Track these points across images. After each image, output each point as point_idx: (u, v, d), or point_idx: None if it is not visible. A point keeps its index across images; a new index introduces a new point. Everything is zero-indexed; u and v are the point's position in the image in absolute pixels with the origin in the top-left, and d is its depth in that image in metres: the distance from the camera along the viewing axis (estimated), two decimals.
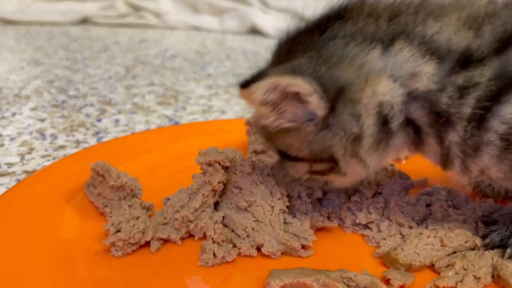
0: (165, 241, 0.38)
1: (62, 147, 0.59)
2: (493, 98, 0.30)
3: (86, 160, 0.46)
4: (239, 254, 0.36)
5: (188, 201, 0.38)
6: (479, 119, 0.30)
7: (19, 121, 0.67)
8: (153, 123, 0.67)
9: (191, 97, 0.79)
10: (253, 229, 0.37)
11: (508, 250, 0.33)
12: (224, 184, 0.38)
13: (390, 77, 0.31)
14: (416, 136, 0.33)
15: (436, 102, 0.31)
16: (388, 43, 0.31)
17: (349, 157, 0.33)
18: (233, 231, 0.37)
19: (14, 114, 0.70)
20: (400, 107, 0.31)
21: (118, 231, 0.36)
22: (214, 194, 0.38)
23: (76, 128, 0.65)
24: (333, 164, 0.33)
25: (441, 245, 0.35)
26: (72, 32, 1.38)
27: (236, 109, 0.74)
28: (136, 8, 1.52)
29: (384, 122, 0.32)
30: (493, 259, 0.33)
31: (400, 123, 0.32)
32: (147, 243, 0.37)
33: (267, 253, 0.36)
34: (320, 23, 0.33)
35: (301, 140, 0.33)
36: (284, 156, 0.35)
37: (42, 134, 0.63)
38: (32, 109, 0.72)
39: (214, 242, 0.36)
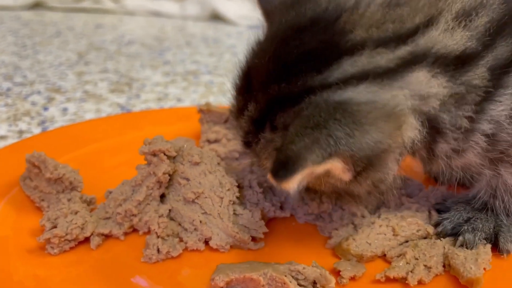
0: (107, 236, 0.35)
1: (3, 137, 0.55)
2: (486, 99, 0.28)
3: (25, 151, 0.43)
4: (185, 249, 0.34)
5: (132, 194, 0.36)
6: (470, 128, 0.29)
7: None
8: (104, 111, 0.64)
9: (146, 85, 0.76)
10: (201, 222, 0.35)
11: (460, 238, 0.33)
12: (170, 175, 0.36)
13: (415, 113, 0.28)
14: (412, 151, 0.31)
15: (435, 119, 0.29)
16: (406, 71, 0.27)
17: (369, 192, 0.32)
18: (180, 224, 0.35)
19: None
20: (416, 136, 0.29)
21: (55, 226, 0.34)
22: (160, 186, 0.36)
23: (20, 117, 0.61)
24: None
25: (393, 234, 0.34)
26: (24, 17, 1.30)
27: (194, 96, 0.72)
28: None
29: (402, 156, 0.30)
30: (444, 247, 0.33)
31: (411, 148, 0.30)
32: (87, 239, 0.35)
33: (215, 247, 0.34)
34: (321, 56, 0.28)
35: (330, 187, 0.31)
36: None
37: None
38: None
39: (158, 236, 0.34)
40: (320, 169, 0.25)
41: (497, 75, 0.27)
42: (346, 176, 0.27)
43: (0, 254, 0.33)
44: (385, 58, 0.27)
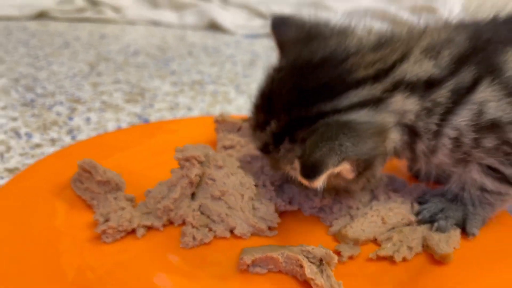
0: (149, 228, 0.43)
1: (38, 145, 0.62)
2: (449, 112, 0.37)
3: (67, 158, 0.50)
4: (215, 237, 0.42)
5: (168, 193, 0.44)
6: (438, 131, 0.37)
7: None
8: (124, 120, 0.72)
9: (157, 94, 0.83)
10: (226, 214, 0.42)
11: (436, 224, 0.41)
12: (199, 176, 0.44)
13: (396, 126, 0.37)
14: (396, 153, 0.40)
15: (413, 126, 0.38)
16: (389, 97, 0.36)
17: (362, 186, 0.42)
18: (208, 217, 0.43)
19: None
20: (397, 143, 0.38)
21: (107, 220, 0.41)
22: (191, 186, 0.44)
23: (49, 126, 0.68)
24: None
25: (382, 222, 0.42)
26: (30, 27, 1.37)
27: (202, 105, 0.79)
28: (94, 3, 1.52)
29: (387, 157, 0.39)
30: (423, 232, 0.41)
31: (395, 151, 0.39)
32: (133, 230, 0.42)
33: (239, 235, 0.42)
34: (329, 90, 0.37)
35: (334, 184, 0.40)
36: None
37: (16, 133, 0.65)
38: (2, 108, 0.74)
39: (193, 227, 0.41)
40: (337, 170, 0.34)
41: (459, 95, 0.36)
42: (351, 175, 0.35)
43: (60, 243, 0.40)
44: (376, 89, 0.36)
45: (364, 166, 0.35)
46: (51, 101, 0.78)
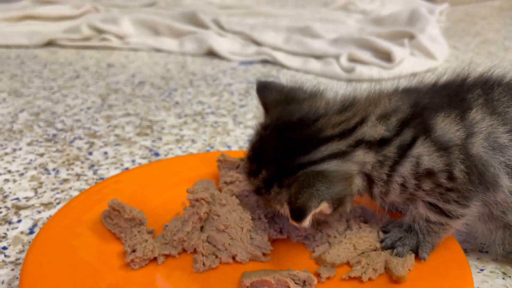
0: (167, 256, 0.53)
1: (66, 180, 0.73)
2: (396, 163, 0.48)
3: (95, 196, 0.61)
4: (220, 263, 0.53)
5: (182, 227, 0.54)
6: (388, 178, 0.48)
7: (21, 156, 0.80)
8: (136, 154, 0.82)
9: (164, 127, 0.94)
10: (229, 244, 0.53)
11: (395, 250, 0.51)
12: (207, 213, 0.54)
13: (358, 173, 0.48)
14: (359, 193, 0.51)
15: (370, 174, 0.49)
16: (352, 151, 0.47)
17: (336, 218, 0.53)
18: (215, 246, 0.54)
19: (14, 150, 0.82)
20: (360, 186, 0.49)
21: (134, 250, 0.52)
22: (200, 221, 0.54)
23: (72, 162, 0.79)
24: None
25: (354, 249, 0.53)
26: (40, 56, 1.47)
27: (204, 138, 0.90)
28: (99, 31, 1.62)
29: (354, 196, 0.50)
30: (386, 256, 0.52)
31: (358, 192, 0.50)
32: (155, 258, 0.53)
33: (239, 260, 0.53)
34: (305, 146, 0.47)
35: (316, 219, 0.50)
36: None
37: (45, 169, 0.76)
38: (29, 144, 0.85)
39: (203, 255, 0.52)
40: (318, 210, 0.45)
41: (403, 150, 0.47)
42: (328, 211, 0.46)
43: (97, 271, 0.51)
44: (342, 145, 0.47)
45: (337, 204, 0.46)
46: (70, 136, 0.89)
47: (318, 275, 0.50)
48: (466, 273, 0.48)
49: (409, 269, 0.50)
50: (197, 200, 0.54)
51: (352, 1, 2.18)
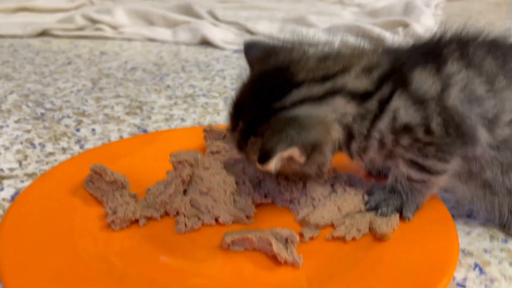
0: (149, 218, 0.53)
1: (51, 153, 0.72)
2: (376, 118, 0.47)
3: (79, 164, 0.60)
4: (203, 224, 0.52)
5: (164, 190, 0.53)
6: (367, 133, 0.47)
7: (7, 133, 0.79)
8: (125, 131, 0.81)
9: (154, 107, 0.93)
10: (212, 206, 0.52)
11: (379, 210, 0.51)
12: (190, 176, 0.54)
13: (337, 122, 0.47)
14: (339, 147, 0.50)
15: (351, 128, 0.48)
16: (331, 98, 0.46)
17: (316, 171, 0.51)
18: (197, 209, 0.53)
19: (1, 127, 0.81)
20: (340, 137, 0.48)
21: (115, 212, 0.51)
22: (183, 184, 0.53)
23: (59, 137, 0.78)
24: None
25: (338, 211, 0.52)
26: (33, 45, 1.47)
27: (194, 116, 0.89)
28: (93, 21, 1.62)
29: (333, 149, 0.49)
30: (370, 217, 0.51)
31: (338, 144, 0.49)
32: (136, 220, 0.52)
33: (222, 222, 0.52)
34: (277, 93, 0.46)
35: (292, 169, 0.49)
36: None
37: (31, 143, 0.75)
38: (16, 121, 0.84)
39: (185, 216, 0.51)
40: (285, 154, 0.44)
41: (381, 104, 0.46)
42: (302, 159, 0.46)
43: (79, 231, 0.50)
44: (316, 89, 0.46)
45: (311, 151, 0.46)
46: (59, 114, 0.88)
47: (301, 235, 0.50)
48: (451, 232, 0.48)
49: (393, 228, 0.49)
50: (179, 162, 0.53)
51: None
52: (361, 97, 0.47)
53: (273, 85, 0.47)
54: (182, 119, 0.88)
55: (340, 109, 0.46)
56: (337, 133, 0.47)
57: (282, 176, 0.58)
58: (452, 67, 0.46)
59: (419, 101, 0.46)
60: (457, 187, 0.52)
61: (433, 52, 0.48)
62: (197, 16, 1.65)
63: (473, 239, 0.52)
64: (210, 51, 1.45)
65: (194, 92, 1.04)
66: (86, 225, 0.51)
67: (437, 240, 0.47)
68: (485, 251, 0.50)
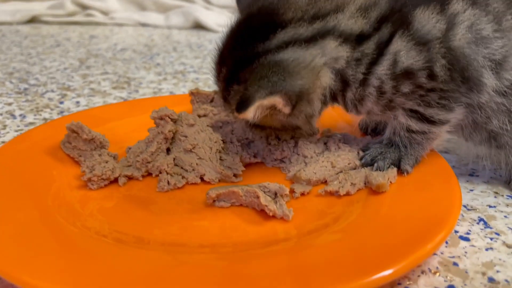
0: (130, 178, 0.49)
1: (32, 123, 0.68)
2: (373, 63, 0.43)
3: (57, 126, 0.56)
4: (187, 183, 0.48)
5: (146, 148, 0.50)
6: (364, 80, 0.44)
7: None
8: (110, 103, 0.78)
9: (142, 82, 0.90)
10: (197, 164, 0.49)
11: (375, 165, 0.47)
12: (173, 133, 0.50)
13: (328, 67, 0.43)
14: (332, 97, 0.46)
15: (346, 73, 0.44)
16: (320, 39, 0.42)
17: (305, 124, 0.47)
18: (182, 167, 0.49)
19: None
20: (331, 84, 0.44)
21: (92, 170, 0.47)
22: (166, 141, 0.50)
23: (41, 109, 0.74)
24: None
25: (332, 166, 0.49)
26: (22, 31, 1.43)
27: (183, 90, 0.86)
28: (84, 7, 1.59)
29: (324, 98, 0.45)
30: (366, 172, 0.47)
31: (330, 93, 0.45)
32: (115, 180, 0.48)
33: (208, 180, 0.48)
34: (261, 34, 0.42)
35: (278, 121, 0.46)
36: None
37: (12, 114, 0.72)
38: None
39: (167, 173, 0.48)
40: (265, 102, 0.40)
41: (380, 47, 0.42)
42: (287, 109, 0.42)
43: (55, 191, 0.46)
44: (304, 29, 0.42)
45: (296, 99, 0.42)
46: (43, 89, 0.85)
47: (292, 191, 0.46)
48: (452, 183, 0.44)
49: (390, 181, 0.45)
50: (161, 118, 0.50)
51: None
52: (356, 39, 0.43)
53: (257, 26, 0.43)
54: (171, 93, 0.84)
55: (331, 52, 0.43)
56: (327, 79, 0.43)
57: (272, 136, 0.54)
58: (458, 5, 0.42)
59: (422, 42, 0.42)
60: (460, 143, 0.49)
61: None
62: (190, 0, 1.61)
63: (476, 196, 0.49)
64: (203, 33, 1.42)
65: (185, 69, 1.01)
66: (62, 186, 0.47)
67: (436, 192, 0.44)
68: (490, 206, 0.47)
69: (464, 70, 0.42)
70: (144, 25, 1.53)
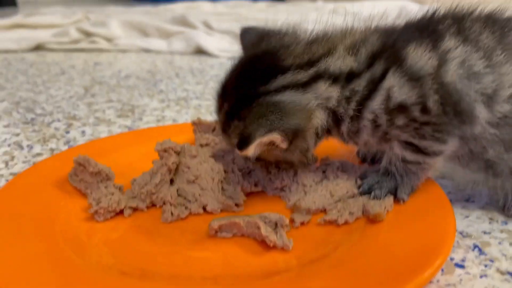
0: (135, 209, 0.51)
1: (39, 154, 0.70)
2: (366, 98, 0.46)
3: (64, 159, 0.58)
4: (190, 213, 0.50)
5: (150, 179, 0.52)
6: (357, 115, 0.46)
7: None
8: (115, 132, 0.80)
9: (146, 110, 0.92)
10: (199, 194, 0.50)
11: (373, 193, 0.49)
12: (176, 165, 0.52)
13: (320, 107, 0.46)
14: (327, 131, 0.48)
15: (337, 111, 0.46)
16: (313, 83, 0.45)
17: (301, 158, 0.50)
18: (185, 198, 0.51)
19: None
20: (323, 122, 0.47)
21: (99, 202, 0.49)
22: (170, 173, 0.52)
23: (48, 139, 0.76)
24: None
25: (330, 195, 0.50)
26: (28, 58, 1.47)
27: (186, 117, 0.88)
28: (88, 34, 1.62)
29: (317, 133, 0.48)
30: (363, 201, 0.49)
31: (323, 129, 0.48)
32: (121, 212, 0.50)
33: (210, 211, 0.50)
34: (263, 77, 0.45)
35: (275, 156, 0.49)
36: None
37: (19, 145, 0.74)
38: (5, 126, 0.83)
39: (171, 205, 0.49)
40: (265, 139, 0.43)
41: (373, 83, 0.44)
42: (284, 145, 0.44)
43: (62, 223, 0.48)
44: (301, 75, 0.45)
45: (293, 136, 0.44)
46: (49, 119, 0.87)
47: (292, 220, 0.48)
48: (447, 212, 0.46)
49: (387, 210, 0.47)
50: (165, 150, 0.52)
51: (342, 5, 2.20)
52: (346, 77, 0.45)
53: (259, 69, 0.46)
54: (174, 120, 0.86)
55: (322, 94, 0.45)
56: (319, 120, 0.46)
57: (272, 165, 0.56)
58: (450, 42, 0.44)
59: (415, 78, 0.44)
60: (456, 168, 0.51)
61: (427, 28, 0.46)
62: (192, 26, 1.65)
63: (471, 222, 0.50)
64: (205, 59, 1.45)
65: (187, 95, 1.03)
66: (69, 218, 0.49)
67: (432, 220, 0.45)
68: (484, 232, 0.48)
69: (456, 104, 0.44)
70: (147, 50, 1.57)
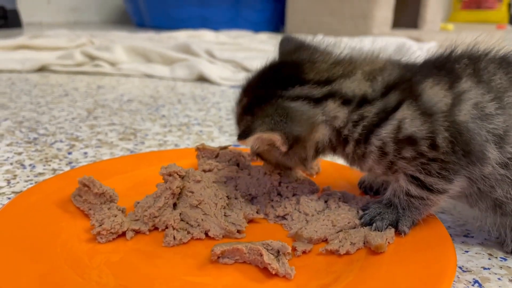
0: (137, 232, 0.51)
1: (41, 174, 0.71)
2: (375, 125, 0.47)
3: (67, 179, 0.59)
4: (192, 238, 0.50)
5: (154, 203, 0.52)
6: (365, 139, 0.47)
7: None
8: (117, 154, 0.80)
9: (148, 134, 0.93)
10: (202, 220, 0.51)
11: (374, 225, 0.49)
12: (180, 189, 0.52)
13: (325, 124, 0.48)
14: (332, 149, 0.50)
15: (342, 132, 0.48)
16: (325, 100, 0.48)
17: (298, 165, 0.54)
18: (187, 223, 0.51)
19: None
20: (325, 138, 0.49)
21: (102, 224, 0.49)
22: (173, 197, 0.52)
23: (50, 159, 0.77)
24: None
25: (332, 225, 0.51)
26: (31, 79, 1.48)
27: (188, 142, 0.89)
28: (92, 58, 1.65)
29: (317, 148, 0.50)
30: (365, 232, 0.49)
31: (325, 145, 0.50)
32: (123, 234, 0.50)
33: (212, 236, 0.50)
34: (283, 83, 0.49)
35: (275, 157, 0.52)
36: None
37: (22, 164, 0.74)
38: (8, 145, 0.83)
39: (173, 229, 0.50)
40: (265, 136, 0.45)
41: (386, 112, 0.46)
42: (284, 148, 0.46)
43: (63, 244, 0.48)
44: (316, 91, 0.48)
45: (293, 141, 0.47)
46: (52, 139, 0.88)
47: (294, 249, 0.48)
48: (447, 246, 0.46)
49: (388, 242, 0.47)
50: (170, 174, 0.52)
51: (343, 40, 2.25)
52: (358, 102, 0.47)
53: (283, 76, 0.50)
54: (176, 145, 0.87)
55: (330, 112, 0.48)
56: (321, 135, 0.48)
57: (274, 193, 0.57)
58: (466, 84, 0.46)
59: (428, 113, 0.45)
60: (455, 203, 0.51)
61: (443, 66, 0.48)
62: (195, 54, 1.68)
63: (471, 257, 0.51)
64: (207, 86, 1.47)
65: (189, 121, 1.04)
66: (71, 238, 0.49)
67: (433, 254, 0.46)
68: (484, 268, 0.49)
69: (467, 143, 0.45)
70: (150, 76, 1.59)
